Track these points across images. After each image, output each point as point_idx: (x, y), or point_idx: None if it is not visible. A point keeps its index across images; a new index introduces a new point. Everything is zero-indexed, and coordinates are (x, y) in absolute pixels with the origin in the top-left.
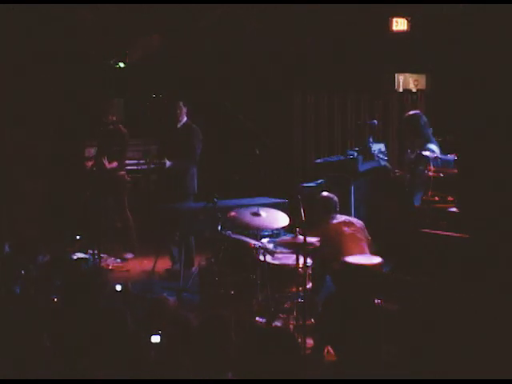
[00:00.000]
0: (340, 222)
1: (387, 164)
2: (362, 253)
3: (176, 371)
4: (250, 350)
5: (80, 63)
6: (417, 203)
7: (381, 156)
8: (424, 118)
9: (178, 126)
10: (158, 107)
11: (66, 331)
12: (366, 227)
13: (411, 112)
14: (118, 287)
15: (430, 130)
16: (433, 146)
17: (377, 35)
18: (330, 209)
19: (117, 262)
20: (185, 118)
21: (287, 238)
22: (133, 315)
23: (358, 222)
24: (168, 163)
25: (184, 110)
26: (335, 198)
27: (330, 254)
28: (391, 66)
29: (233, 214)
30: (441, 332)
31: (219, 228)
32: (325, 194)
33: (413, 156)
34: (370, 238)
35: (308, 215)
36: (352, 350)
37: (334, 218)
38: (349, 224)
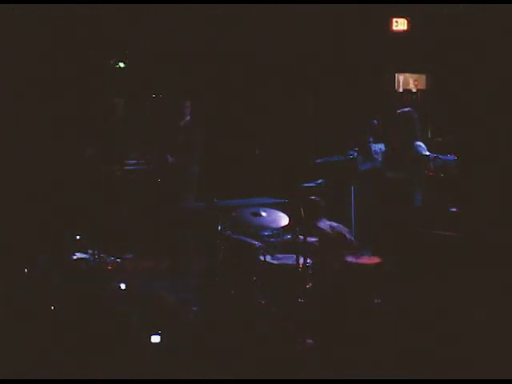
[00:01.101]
0: (328, 226)
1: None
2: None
3: (176, 371)
4: (251, 349)
5: (80, 63)
6: (417, 203)
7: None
8: (416, 115)
9: (181, 124)
10: (158, 107)
11: (66, 331)
12: (364, 227)
13: (406, 109)
14: (123, 286)
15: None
16: (422, 144)
17: (377, 35)
18: (318, 212)
19: (117, 262)
20: (188, 117)
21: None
22: (133, 315)
23: (340, 226)
24: (170, 159)
25: (189, 109)
26: (323, 203)
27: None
28: (391, 66)
29: (233, 214)
30: (440, 332)
31: (219, 228)
32: (312, 197)
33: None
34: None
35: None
36: (351, 349)
37: (320, 221)
38: (335, 227)
